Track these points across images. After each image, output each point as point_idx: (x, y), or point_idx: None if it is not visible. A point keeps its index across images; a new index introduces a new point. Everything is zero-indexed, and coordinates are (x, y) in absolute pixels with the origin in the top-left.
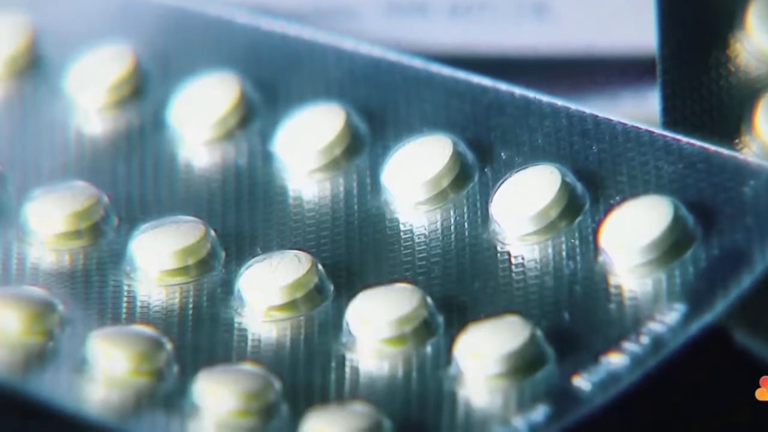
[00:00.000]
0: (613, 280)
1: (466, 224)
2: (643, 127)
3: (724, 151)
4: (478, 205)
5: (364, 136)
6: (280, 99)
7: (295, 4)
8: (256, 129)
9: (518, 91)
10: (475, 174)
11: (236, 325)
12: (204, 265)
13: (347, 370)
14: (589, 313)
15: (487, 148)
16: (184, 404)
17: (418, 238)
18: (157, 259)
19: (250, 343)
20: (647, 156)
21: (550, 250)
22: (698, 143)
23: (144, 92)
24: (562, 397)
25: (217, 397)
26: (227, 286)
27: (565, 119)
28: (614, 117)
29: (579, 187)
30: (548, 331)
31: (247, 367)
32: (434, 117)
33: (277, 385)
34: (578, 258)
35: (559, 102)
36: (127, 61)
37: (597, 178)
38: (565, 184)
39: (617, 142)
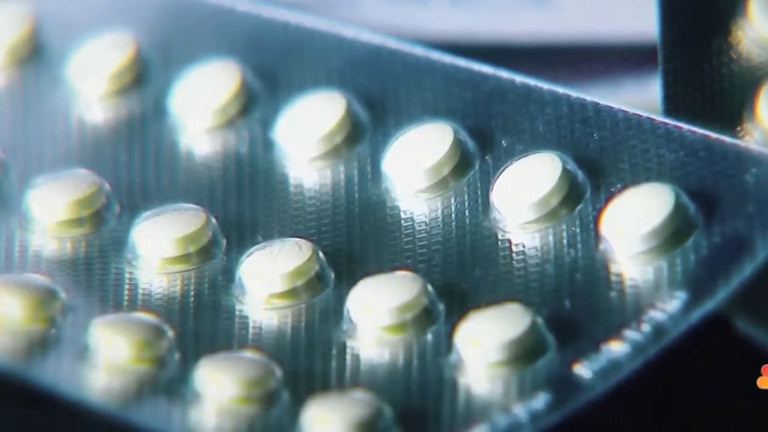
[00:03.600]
0: (614, 268)
1: (466, 212)
2: (645, 114)
3: (726, 138)
4: (479, 192)
5: (365, 124)
6: (280, 87)
7: None
8: (257, 117)
9: (519, 78)
10: (475, 162)
11: (237, 312)
12: (205, 252)
13: (348, 357)
14: (590, 300)
15: (487, 136)
16: (186, 391)
17: (419, 226)
18: (158, 247)
19: (251, 330)
20: (648, 144)
21: (550, 238)
22: (700, 131)
23: (145, 80)
24: (562, 384)
25: (219, 384)
26: (228, 274)
27: (566, 107)
28: (615, 104)
29: (580, 174)
30: (549, 319)
31: (248, 354)
32: (435, 105)
33: (278, 372)
34: (579, 246)
35: (560, 90)
36: (129, 49)
37: (598, 165)
38: (566, 171)
39: (618, 129)
